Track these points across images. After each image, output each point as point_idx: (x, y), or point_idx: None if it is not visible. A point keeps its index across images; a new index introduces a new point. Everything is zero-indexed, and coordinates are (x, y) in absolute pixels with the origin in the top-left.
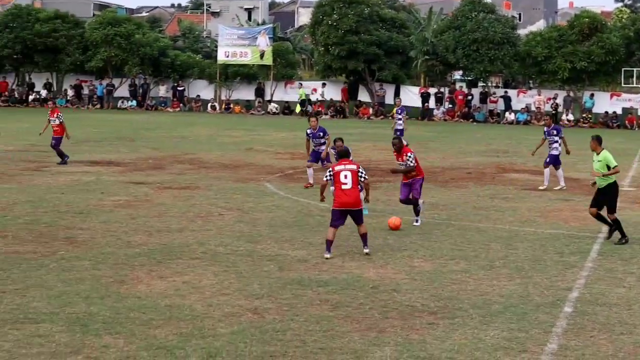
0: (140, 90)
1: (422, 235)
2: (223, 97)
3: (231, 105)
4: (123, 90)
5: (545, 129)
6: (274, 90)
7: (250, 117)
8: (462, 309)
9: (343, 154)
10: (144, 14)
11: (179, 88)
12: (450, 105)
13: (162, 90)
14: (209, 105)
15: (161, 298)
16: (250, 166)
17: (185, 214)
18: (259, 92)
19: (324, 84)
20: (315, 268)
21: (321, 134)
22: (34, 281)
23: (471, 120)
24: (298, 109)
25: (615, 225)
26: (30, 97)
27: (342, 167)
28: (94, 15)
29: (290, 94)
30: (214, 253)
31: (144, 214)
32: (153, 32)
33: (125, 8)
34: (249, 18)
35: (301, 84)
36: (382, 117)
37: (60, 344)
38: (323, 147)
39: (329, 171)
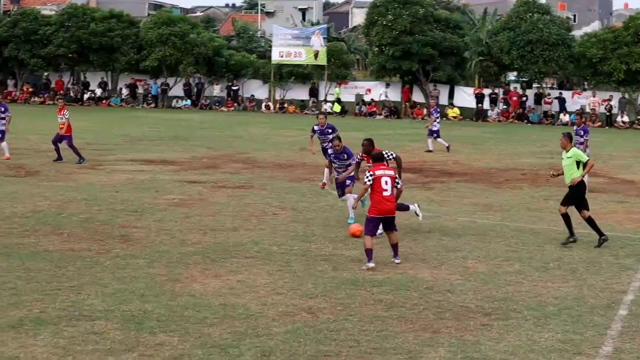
0: (195, 90)
1: (477, 236)
2: (277, 97)
3: (285, 105)
4: (177, 90)
5: (575, 128)
6: (328, 91)
7: (305, 117)
8: (517, 311)
9: (378, 158)
10: (198, 13)
11: (233, 87)
12: (505, 106)
13: (217, 90)
14: (263, 104)
15: (215, 297)
16: (305, 166)
17: (239, 213)
18: (313, 92)
19: (387, 85)
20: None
21: (329, 130)
22: (88, 279)
23: (525, 121)
24: (337, 108)
25: (590, 225)
26: (85, 96)
27: (381, 172)
28: (148, 14)
29: (344, 94)
30: (268, 252)
31: (198, 212)
32: (207, 31)
33: (180, 8)
34: (303, 18)
35: (338, 84)
36: None
37: (115, 341)
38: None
39: (370, 175)
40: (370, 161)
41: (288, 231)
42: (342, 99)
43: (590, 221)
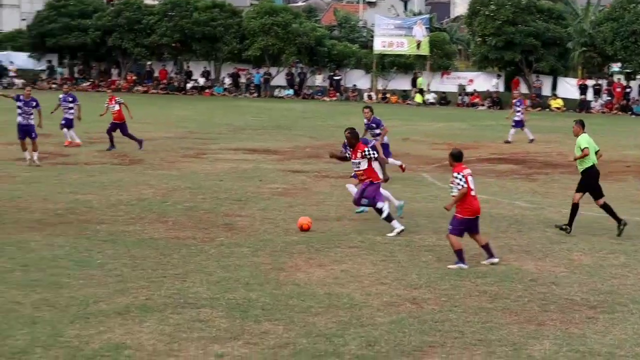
0: (297, 79)
1: (581, 228)
2: (379, 87)
3: (387, 95)
4: (280, 79)
5: None
6: (431, 81)
7: (407, 107)
8: (622, 304)
9: (459, 157)
10: (300, 3)
11: (335, 77)
12: (609, 98)
13: (319, 80)
14: (366, 94)
15: (320, 286)
16: (407, 156)
17: (342, 202)
18: (415, 82)
19: (499, 75)
20: (473, 259)
21: (374, 125)
22: (193, 266)
23: (630, 112)
24: (418, 98)
25: (606, 211)
26: (189, 85)
27: (468, 170)
28: (250, 4)
29: (446, 84)
30: (372, 242)
31: (302, 202)
32: (310, 21)
33: None
34: (405, 8)
35: (421, 73)
36: (539, 108)
37: (220, 329)
38: (378, 138)
39: (462, 176)
40: (452, 161)
41: None
42: (444, 90)
43: (574, 208)
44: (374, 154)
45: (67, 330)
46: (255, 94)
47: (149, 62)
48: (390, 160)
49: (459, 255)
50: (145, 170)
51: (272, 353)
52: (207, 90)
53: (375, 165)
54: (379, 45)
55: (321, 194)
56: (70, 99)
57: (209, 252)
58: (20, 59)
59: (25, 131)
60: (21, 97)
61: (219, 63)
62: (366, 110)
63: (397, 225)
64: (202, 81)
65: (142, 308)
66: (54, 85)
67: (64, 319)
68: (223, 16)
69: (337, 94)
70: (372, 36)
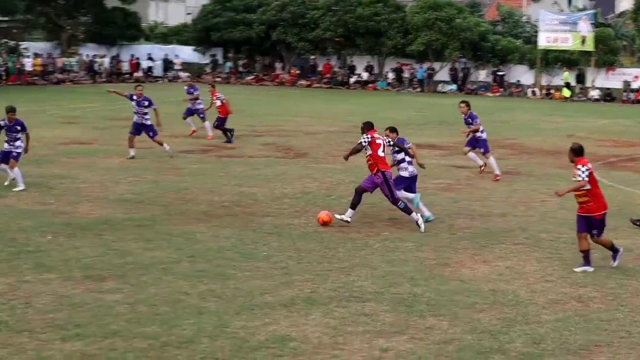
0: (461, 75)
1: None
2: (543, 83)
3: (551, 91)
4: (443, 74)
5: None
6: (596, 77)
7: (571, 103)
8: None
9: (581, 151)
10: None
11: (499, 73)
12: None
13: (482, 75)
14: (529, 90)
15: (484, 282)
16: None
17: (507, 199)
18: (580, 78)
19: None
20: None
21: (470, 119)
22: (358, 260)
23: None
24: (566, 93)
25: None
26: (352, 80)
27: (591, 164)
28: None
29: (611, 80)
30: (537, 239)
31: (466, 197)
32: (473, 16)
33: None
34: (569, 3)
35: (566, 68)
36: None
37: (385, 323)
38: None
39: (585, 169)
40: (572, 155)
41: (556, 218)
42: (609, 86)
43: None
44: (363, 138)
45: (233, 321)
46: (419, 89)
47: (312, 57)
48: (492, 159)
49: (613, 247)
50: (309, 164)
51: (437, 348)
52: (370, 85)
53: (383, 155)
54: (544, 40)
55: (485, 190)
56: (192, 90)
57: (373, 246)
58: (186, 53)
59: (138, 129)
60: (134, 97)
61: (382, 58)
62: (462, 104)
63: (348, 216)
64: (365, 75)
65: (307, 301)
66: (218, 79)
67: (229, 310)
68: (387, 11)
69: (501, 89)
70: (535, 31)
